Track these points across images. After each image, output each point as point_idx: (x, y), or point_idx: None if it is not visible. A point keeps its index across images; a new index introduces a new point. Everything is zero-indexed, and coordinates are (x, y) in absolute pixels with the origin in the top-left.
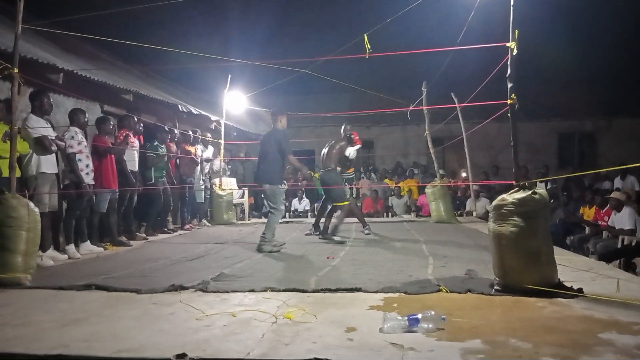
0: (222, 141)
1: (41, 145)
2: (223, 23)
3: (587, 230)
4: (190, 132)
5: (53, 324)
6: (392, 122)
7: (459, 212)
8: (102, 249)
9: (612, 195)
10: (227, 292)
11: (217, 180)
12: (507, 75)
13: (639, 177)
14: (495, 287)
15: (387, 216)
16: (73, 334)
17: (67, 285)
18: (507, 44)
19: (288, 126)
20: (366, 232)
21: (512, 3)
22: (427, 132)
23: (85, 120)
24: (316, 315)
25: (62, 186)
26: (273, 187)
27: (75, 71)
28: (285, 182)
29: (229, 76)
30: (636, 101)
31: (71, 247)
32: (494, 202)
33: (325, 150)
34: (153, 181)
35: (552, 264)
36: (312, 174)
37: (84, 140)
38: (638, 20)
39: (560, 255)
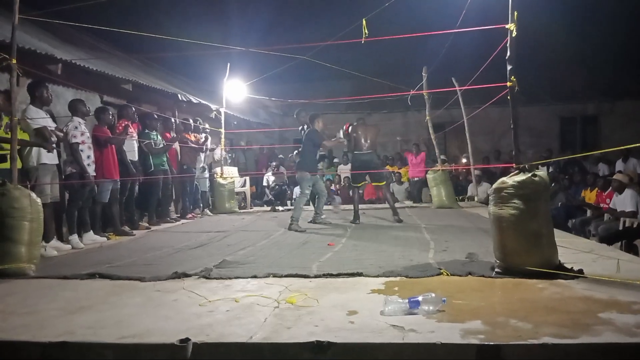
0: (222, 130)
1: (41, 136)
2: (221, 10)
3: (588, 213)
4: (191, 121)
5: (58, 312)
6: (393, 108)
7: (460, 197)
8: (105, 238)
9: (615, 177)
10: (229, 278)
11: (218, 169)
12: (506, 58)
13: None
14: (496, 270)
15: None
16: (78, 321)
17: (71, 274)
18: (507, 26)
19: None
20: (353, 222)
21: None
22: (427, 118)
23: (87, 109)
24: (318, 299)
25: (63, 177)
26: (302, 174)
27: (73, 61)
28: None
29: (228, 64)
30: (638, 83)
31: (74, 237)
32: (494, 185)
33: (358, 134)
34: (153, 169)
35: (553, 245)
36: None
37: (87, 131)
38: (638, 1)
39: (561, 238)
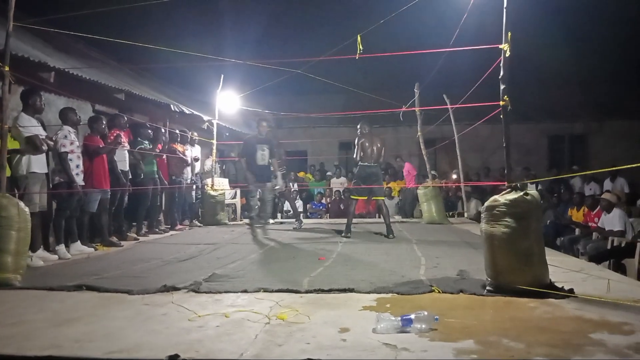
0: (214, 141)
1: (32, 145)
2: (216, 22)
3: (577, 231)
4: (178, 132)
5: (45, 324)
6: (385, 123)
7: (450, 213)
8: (92, 249)
9: (603, 196)
10: (219, 292)
11: (208, 181)
12: (500, 77)
13: (628, 179)
14: (487, 288)
15: (379, 217)
16: (65, 334)
17: (57, 285)
18: (500, 46)
19: (283, 127)
20: (344, 235)
21: (505, 5)
22: (419, 134)
23: (78, 118)
24: (309, 315)
25: (51, 186)
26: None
27: (66, 70)
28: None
29: (222, 76)
30: (627, 103)
31: (61, 248)
32: (486, 203)
33: (369, 145)
34: (143, 177)
35: (544, 264)
36: (304, 174)
37: (77, 140)
38: (627, 22)
39: (552, 257)
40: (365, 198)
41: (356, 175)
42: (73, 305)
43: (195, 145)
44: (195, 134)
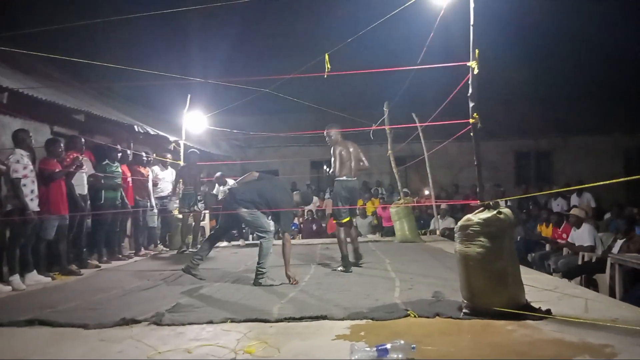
0: (181, 162)
1: None
2: (183, 41)
3: (547, 247)
4: (144, 154)
5: None
6: (355, 141)
7: (422, 231)
8: (49, 279)
9: (572, 212)
10: (183, 324)
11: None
12: (468, 95)
13: (594, 194)
14: (464, 311)
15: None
16: None
17: (7, 321)
18: (468, 64)
19: (253, 147)
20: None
21: (472, 22)
22: (389, 152)
23: (31, 141)
24: (279, 348)
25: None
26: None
27: (21, 90)
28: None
29: (189, 95)
30: (590, 119)
31: (15, 278)
32: (460, 223)
33: (347, 155)
34: (103, 202)
35: (519, 284)
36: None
37: (30, 164)
38: (591, 40)
39: (525, 274)
40: (348, 219)
41: (335, 193)
42: (22, 343)
43: (169, 167)
44: (169, 155)
